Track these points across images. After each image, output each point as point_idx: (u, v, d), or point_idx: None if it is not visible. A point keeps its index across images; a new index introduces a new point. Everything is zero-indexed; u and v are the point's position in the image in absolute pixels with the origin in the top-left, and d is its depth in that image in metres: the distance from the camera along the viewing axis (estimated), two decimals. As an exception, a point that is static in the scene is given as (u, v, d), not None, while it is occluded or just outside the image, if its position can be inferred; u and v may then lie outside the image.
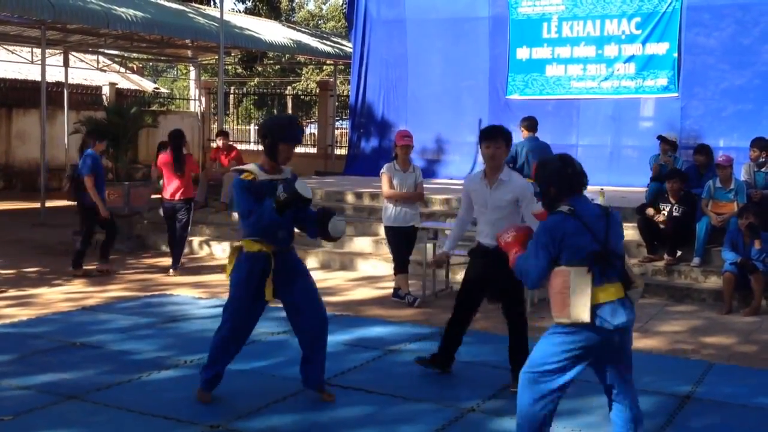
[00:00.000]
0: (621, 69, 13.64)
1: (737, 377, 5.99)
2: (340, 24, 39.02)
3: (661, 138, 10.45)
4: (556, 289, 3.93)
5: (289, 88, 32.23)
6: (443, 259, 6.60)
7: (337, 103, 20.59)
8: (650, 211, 9.19)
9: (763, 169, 9.47)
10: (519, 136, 9.90)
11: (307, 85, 34.85)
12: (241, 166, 5.21)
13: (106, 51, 20.93)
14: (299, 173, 18.34)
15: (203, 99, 22.07)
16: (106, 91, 20.79)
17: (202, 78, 23.01)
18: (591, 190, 11.23)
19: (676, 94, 13.20)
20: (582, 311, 3.83)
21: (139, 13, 14.92)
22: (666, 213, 9.14)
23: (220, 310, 5.31)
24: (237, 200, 4.96)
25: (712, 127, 12.82)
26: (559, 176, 4.06)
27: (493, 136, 5.50)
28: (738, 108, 12.90)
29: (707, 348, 6.81)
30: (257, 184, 4.91)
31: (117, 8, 14.60)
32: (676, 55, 13.17)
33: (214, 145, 13.58)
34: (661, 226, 9.11)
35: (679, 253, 9.15)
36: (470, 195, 5.74)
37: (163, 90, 28.56)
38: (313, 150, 20.84)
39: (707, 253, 9.00)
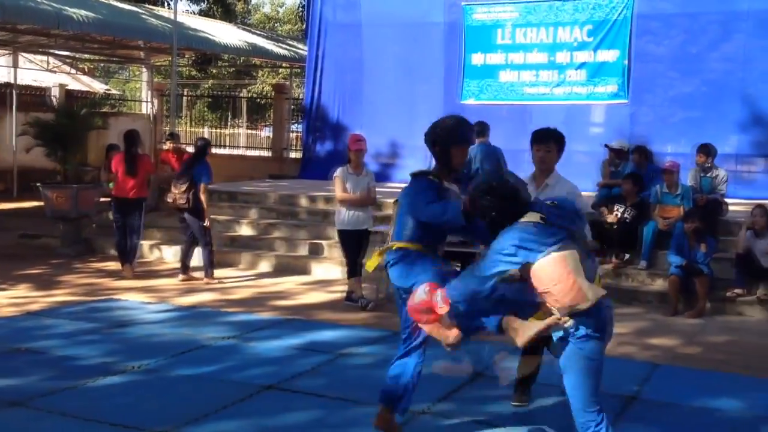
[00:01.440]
0: (572, 75, 13.82)
1: (681, 378, 6.11)
2: (296, 27, 38.92)
3: (607, 146, 10.62)
4: (561, 277, 3.62)
5: (243, 90, 32.02)
6: None
7: (292, 107, 20.51)
8: (604, 210, 9.33)
9: (708, 175, 9.68)
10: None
11: (262, 88, 34.67)
12: (420, 170, 4.84)
13: (57, 52, 20.58)
14: (254, 177, 18.28)
15: (155, 101, 21.79)
16: (55, 92, 20.41)
17: (155, 80, 22.74)
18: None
19: (625, 101, 13.41)
20: (597, 288, 3.67)
21: (90, 14, 14.70)
22: (618, 213, 9.29)
23: (169, 314, 5.25)
24: (422, 199, 4.46)
25: (661, 134, 13.05)
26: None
27: (544, 139, 5.38)
28: (686, 115, 13.15)
29: (653, 349, 6.93)
30: (443, 188, 4.57)
31: (68, 9, 14.36)
32: (626, 62, 13.38)
33: (165, 147, 13.42)
34: (609, 227, 9.24)
35: (626, 256, 9.30)
36: None
37: (114, 92, 28.17)
38: (268, 153, 20.72)
39: (654, 256, 9.17)
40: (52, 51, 20.34)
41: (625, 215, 9.26)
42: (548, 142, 5.34)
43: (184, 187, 9.37)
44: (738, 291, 8.42)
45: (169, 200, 9.49)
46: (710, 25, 12.97)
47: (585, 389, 3.74)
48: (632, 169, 10.27)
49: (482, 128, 9.84)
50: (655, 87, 13.38)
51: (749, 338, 7.40)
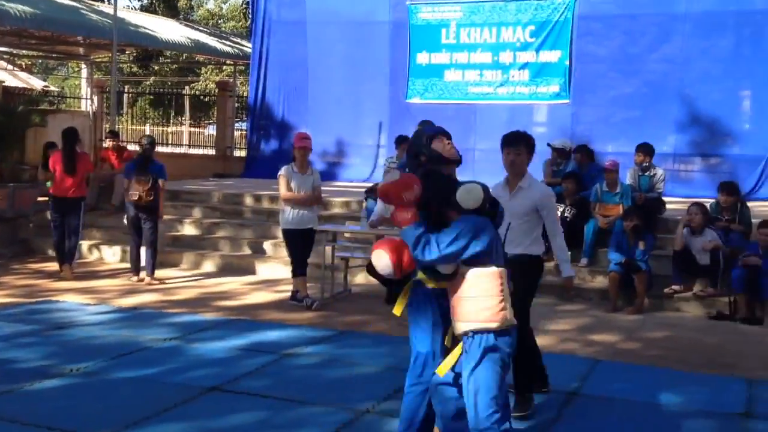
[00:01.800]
0: (516, 75, 13.98)
1: (622, 373, 6.23)
2: (240, 24, 38.53)
3: (549, 145, 10.77)
4: (489, 291, 3.77)
5: (187, 88, 31.60)
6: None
7: (236, 104, 20.32)
8: None
9: (647, 174, 9.89)
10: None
11: (206, 85, 34.25)
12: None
13: (-7, 47, 20.02)
14: (198, 175, 18.06)
15: (96, 98, 21.35)
16: (-8, 88, 19.85)
17: (95, 76, 22.30)
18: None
19: (567, 101, 13.63)
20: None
21: (28, 9, 14.32)
22: (558, 213, 9.42)
23: (110, 316, 5.16)
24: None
25: (602, 133, 13.30)
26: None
27: (514, 143, 5.26)
28: (626, 115, 13.43)
29: (594, 345, 7.05)
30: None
31: (5, 3, 13.96)
32: (567, 62, 13.60)
33: (105, 145, 13.19)
34: None
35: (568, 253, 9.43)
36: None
37: (53, 88, 27.54)
38: (212, 152, 20.50)
39: (595, 253, 9.33)
40: (-13, 46, 19.78)
41: (566, 214, 9.41)
42: (518, 146, 5.23)
43: (149, 185, 9.29)
44: (676, 287, 8.62)
45: (134, 198, 9.34)
46: (650, 26, 13.26)
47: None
48: (574, 168, 10.44)
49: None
50: (597, 87, 13.62)
51: (686, 334, 7.58)
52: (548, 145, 10.86)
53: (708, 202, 9.14)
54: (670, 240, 9.16)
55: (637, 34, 13.34)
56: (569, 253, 5.56)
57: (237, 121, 20.50)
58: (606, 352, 6.80)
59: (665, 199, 10.10)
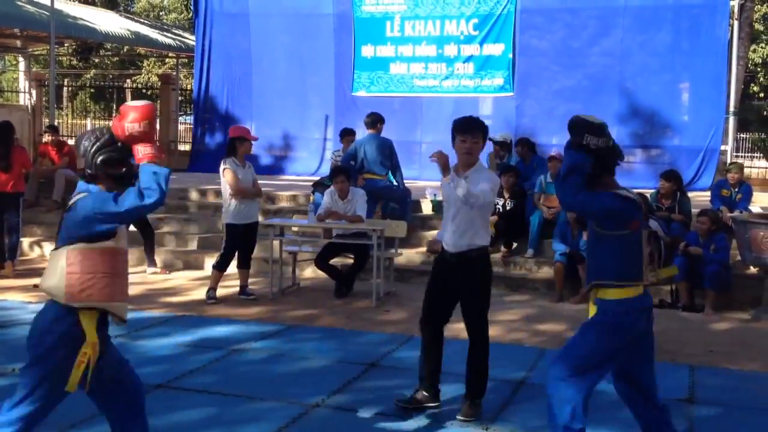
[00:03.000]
0: (460, 68, 14.07)
1: (568, 362, 6.32)
2: (182, 16, 38.01)
3: (491, 140, 10.87)
4: None
5: (128, 80, 31.04)
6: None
7: (180, 98, 20.04)
8: None
9: (590, 165, 10.04)
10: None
11: (149, 78, 33.69)
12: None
13: (-77, 39, 19.37)
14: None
15: (34, 92, 20.83)
16: (-77, 81, 19.23)
17: (33, 69, 21.74)
18: (434, 185, 11.54)
19: (511, 94, 13.77)
20: None
21: (-40, -1, 13.91)
22: (499, 207, 9.52)
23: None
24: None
25: (546, 126, 13.48)
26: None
27: (471, 130, 4.95)
28: (568, 107, 13.54)
29: (540, 335, 7.16)
30: None
31: (-65, -7, 13.54)
32: (511, 56, 13.73)
33: (44, 140, 12.88)
34: (492, 232, 9.43)
35: (514, 245, 9.56)
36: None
37: (-11, 81, 26.77)
38: (155, 146, 20.18)
39: (540, 244, 9.46)
40: None
41: (507, 206, 9.51)
42: (476, 133, 4.96)
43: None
44: (618, 276, 8.78)
45: None
46: (590, 20, 13.48)
47: None
48: (517, 161, 10.58)
49: (372, 119, 9.88)
50: (540, 80, 13.80)
51: (629, 321, 7.72)
52: (489, 139, 10.95)
53: (649, 193, 9.33)
54: (612, 230, 9.31)
55: (579, 27, 13.54)
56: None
57: (181, 115, 20.22)
58: (553, 341, 6.90)
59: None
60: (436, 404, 5.08)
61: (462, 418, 4.92)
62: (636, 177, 12.80)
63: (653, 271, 3.95)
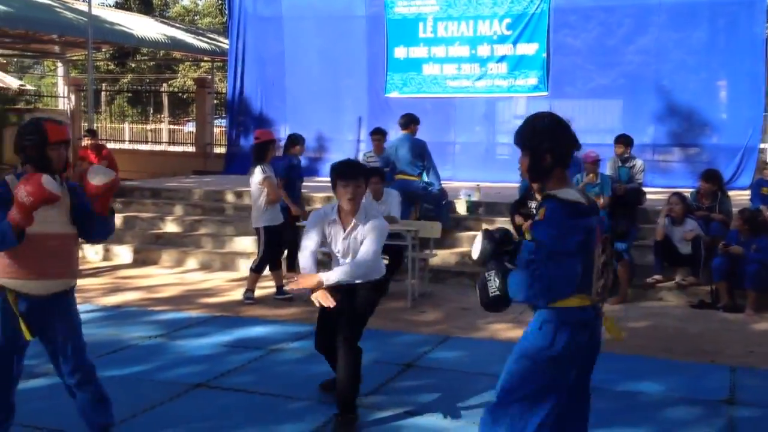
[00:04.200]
0: (494, 68, 14.02)
1: (605, 363, 6.19)
2: (216, 20, 38.35)
3: None
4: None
5: (164, 85, 31.40)
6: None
7: (215, 101, 20.24)
8: (518, 219, 9.46)
9: (626, 165, 9.96)
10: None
11: (184, 82, 34.05)
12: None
13: (-34, 46, 19.81)
14: (178, 173, 17.92)
15: (72, 97, 21.18)
16: (-34, 88, 19.66)
17: (71, 74, 22.09)
18: (467, 186, 11.53)
19: (545, 93, 13.69)
20: None
21: (2, 7, 14.19)
22: (533, 211, 9.45)
23: (94, 315, 5.13)
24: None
25: (580, 125, 13.36)
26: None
27: (353, 175, 4.79)
28: (604, 106, 13.53)
29: (578, 336, 7.09)
30: None
31: (-23, 1, 13.85)
32: (545, 55, 13.65)
33: (83, 144, 13.09)
34: (527, 236, 9.36)
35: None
36: (325, 230, 4.95)
37: (29, 87, 27.24)
38: (192, 149, 20.40)
39: (576, 245, 9.36)
40: (-40, 45, 19.57)
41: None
42: (358, 178, 4.81)
43: None
44: (657, 277, 8.70)
45: None
46: (626, 17, 13.35)
47: None
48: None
49: (405, 120, 9.86)
50: (574, 79, 13.71)
51: (669, 323, 7.65)
52: None
53: (688, 192, 9.23)
54: (650, 230, 9.24)
55: (613, 25, 13.43)
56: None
57: (216, 118, 20.42)
58: (589, 342, 6.84)
59: (645, 189, 10.19)
60: None
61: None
62: (674, 176, 12.67)
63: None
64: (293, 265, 8.58)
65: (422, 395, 5.37)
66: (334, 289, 4.80)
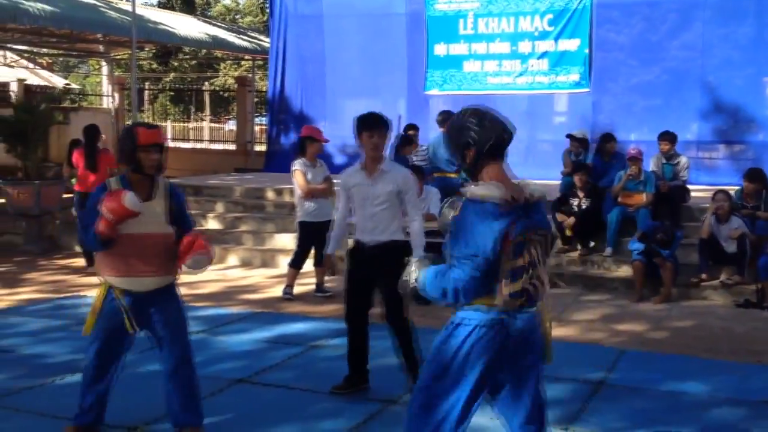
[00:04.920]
0: (535, 65, 13.91)
1: (648, 362, 6.20)
2: (257, 19, 38.66)
3: (570, 136, 10.73)
4: None
5: (206, 83, 31.74)
6: (333, 262, 5.85)
7: (256, 99, 20.39)
8: (560, 216, 9.38)
9: (671, 162, 9.81)
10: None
11: (225, 80, 34.37)
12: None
13: (14, 46, 20.20)
14: (219, 170, 18.10)
15: (116, 95, 21.49)
16: (14, 87, 20.04)
17: (115, 73, 22.42)
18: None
19: (587, 90, 13.55)
20: None
21: (47, 7, 14.44)
22: (574, 207, 9.37)
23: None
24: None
25: (623, 122, 13.21)
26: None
27: (376, 125, 5.15)
28: (647, 103, 13.34)
29: (620, 335, 7.02)
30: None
31: (25, 2, 14.09)
32: (587, 51, 13.51)
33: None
34: (568, 233, 9.30)
35: (592, 243, 9.41)
36: (350, 190, 5.32)
37: (74, 86, 27.75)
38: (233, 147, 20.59)
39: (619, 242, 9.27)
40: (9, 45, 19.95)
41: (582, 205, 9.35)
42: (380, 128, 5.13)
43: None
44: (702, 276, 8.56)
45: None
46: (669, 13, 13.15)
47: None
48: (593, 157, 10.43)
49: (443, 117, 9.83)
50: (617, 75, 13.54)
51: (714, 322, 7.53)
52: (567, 136, 10.83)
53: (733, 190, 9.07)
54: (695, 228, 9.10)
55: (657, 21, 13.24)
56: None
57: (256, 116, 20.57)
58: (632, 342, 6.77)
59: (689, 187, 10.03)
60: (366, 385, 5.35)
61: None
62: (719, 173, 12.45)
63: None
64: None
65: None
66: (362, 254, 5.16)
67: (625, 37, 13.51)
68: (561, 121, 13.98)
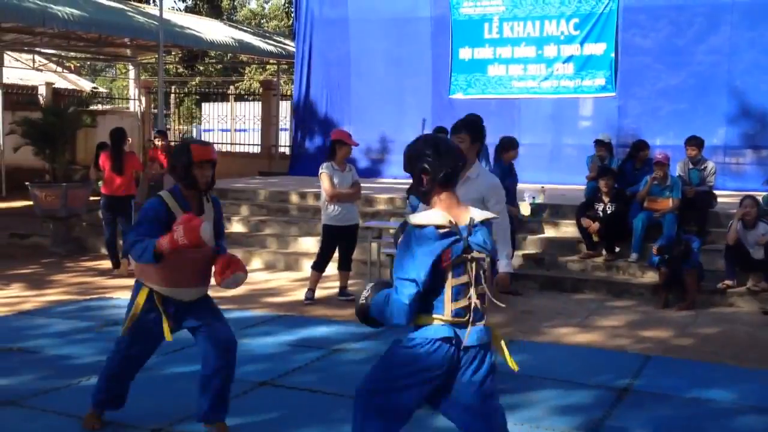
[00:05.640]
0: (560, 69, 13.86)
1: (674, 369, 6.15)
2: (282, 23, 38.82)
3: (598, 141, 10.65)
4: None
5: (231, 87, 31.90)
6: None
7: (280, 103, 20.47)
8: (585, 221, 9.32)
9: (697, 167, 9.73)
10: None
11: (250, 84, 34.53)
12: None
13: (43, 50, 20.47)
14: (243, 174, 18.16)
15: (143, 99, 21.71)
16: (42, 91, 20.31)
17: (142, 77, 22.64)
18: (532, 188, 11.41)
19: (613, 94, 13.48)
20: None
21: (76, 12, 14.62)
22: (599, 212, 9.30)
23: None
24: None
25: (649, 126, 13.12)
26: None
27: (456, 129, 5.12)
28: (673, 107, 13.23)
29: (645, 341, 6.97)
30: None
31: (53, 6, 14.28)
32: (613, 55, 13.44)
33: (153, 145, 13.38)
34: (594, 238, 9.24)
35: (617, 249, 9.34)
36: None
37: (101, 89, 28.02)
38: (257, 150, 20.70)
39: (644, 248, 9.20)
40: (37, 49, 20.21)
41: (607, 210, 9.28)
42: (460, 132, 5.06)
43: None
44: (728, 282, 8.47)
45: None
46: (696, 17, 13.05)
47: None
48: (620, 162, 10.36)
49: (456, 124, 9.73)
50: (643, 80, 13.46)
51: (740, 329, 7.45)
52: (596, 141, 10.74)
53: (760, 195, 8.97)
54: (721, 234, 9.01)
55: (684, 25, 13.14)
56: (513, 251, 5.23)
57: (281, 120, 20.65)
58: (657, 348, 6.71)
59: (716, 192, 9.93)
60: None
61: None
62: (746, 178, 12.33)
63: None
64: None
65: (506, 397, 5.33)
66: None
67: (652, 41, 13.43)
68: (586, 126, 13.90)
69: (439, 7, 14.61)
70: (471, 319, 3.25)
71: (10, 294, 8.55)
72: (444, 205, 3.27)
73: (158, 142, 12.91)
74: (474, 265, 3.24)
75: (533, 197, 10.54)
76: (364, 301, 3.40)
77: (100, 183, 10.16)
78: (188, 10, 30.34)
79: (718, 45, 12.89)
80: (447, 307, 3.22)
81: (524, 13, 14.04)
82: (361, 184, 8.80)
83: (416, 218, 3.24)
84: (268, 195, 12.35)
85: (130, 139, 11.15)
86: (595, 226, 9.21)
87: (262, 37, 21.43)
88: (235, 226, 11.51)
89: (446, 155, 3.30)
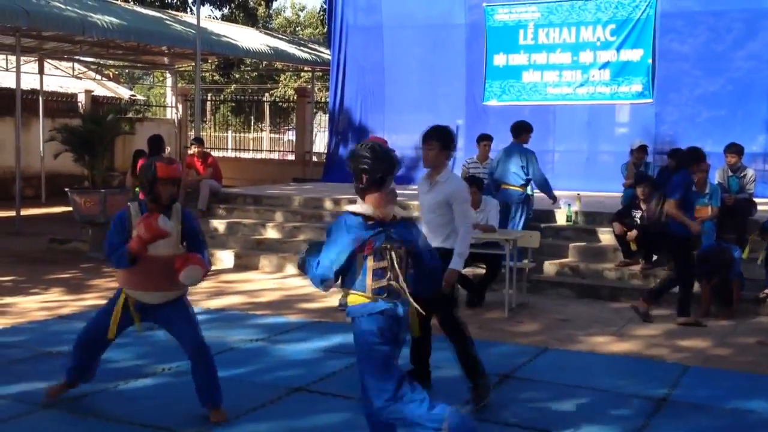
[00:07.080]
0: (596, 75, 13.76)
1: (713, 379, 6.05)
2: (317, 31, 39.03)
3: (639, 148, 10.51)
4: None
5: (266, 94, 32.15)
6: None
7: (315, 110, 20.59)
8: (618, 227, 9.20)
9: (737, 174, 9.58)
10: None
11: (285, 91, 34.77)
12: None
13: (82, 58, 20.80)
14: (278, 180, 18.28)
15: (180, 106, 21.97)
16: (81, 98, 20.65)
17: (179, 85, 22.91)
18: (567, 195, 11.30)
19: (650, 100, 13.34)
20: None
21: (115, 20, 14.84)
22: (637, 219, 9.19)
23: (198, 317, 5.28)
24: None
25: (687, 133, 12.94)
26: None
27: (426, 136, 5.56)
28: (711, 114, 13.06)
29: (683, 351, 6.87)
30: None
31: (93, 15, 14.52)
32: (650, 61, 13.31)
33: (190, 152, 13.52)
34: (633, 246, 9.13)
35: (654, 257, 9.23)
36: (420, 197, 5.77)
37: (139, 97, 28.40)
38: (291, 157, 20.82)
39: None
40: (77, 57, 20.55)
41: (644, 219, 9.15)
42: (431, 140, 5.50)
43: None
44: (768, 292, 8.32)
45: None
46: (734, 22, 12.89)
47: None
48: (653, 169, 10.24)
49: (518, 128, 9.65)
50: (681, 86, 13.31)
51: (780, 339, 7.31)
52: (631, 150, 10.61)
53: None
54: (761, 243, 8.84)
55: (722, 30, 12.98)
56: (467, 251, 5.51)
57: (315, 127, 20.77)
58: (696, 358, 6.61)
59: (756, 200, 9.78)
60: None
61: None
62: (786, 187, 12.13)
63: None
64: None
65: (520, 407, 5.31)
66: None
67: (689, 47, 13.28)
68: (622, 132, 13.78)
69: (474, 14, 14.59)
70: (388, 297, 3.90)
71: (50, 298, 8.68)
72: (375, 202, 3.92)
73: (194, 149, 13.06)
74: (393, 253, 3.90)
75: (569, 204, 10.45)
76: (300, 262, 4.12)
77: (137, 189, 10.27)
78: (224, 18, 30.63)
79: (757, 51, 12.71)
80: (368, 286, 3.89)
81: (560, 20, 13.96)
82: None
83: (352, 207, 3.95)
84: (302, 201, 12.41)
85: (168, 147, 11.28)
86: (633, 234, 9.10)
87: (296, 45, 21.56)
88: (270, 232, 11.57)
89: (383, 160, 3.96)
